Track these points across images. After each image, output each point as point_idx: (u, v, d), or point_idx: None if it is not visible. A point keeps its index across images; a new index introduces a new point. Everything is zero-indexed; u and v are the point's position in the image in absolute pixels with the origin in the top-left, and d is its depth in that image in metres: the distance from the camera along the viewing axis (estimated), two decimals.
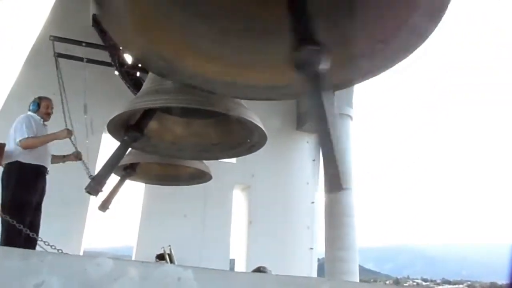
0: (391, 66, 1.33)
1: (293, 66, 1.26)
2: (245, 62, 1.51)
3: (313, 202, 9.65)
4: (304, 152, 10.09)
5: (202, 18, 1.50)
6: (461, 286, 32.15)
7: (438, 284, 31.17)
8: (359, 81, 1.54)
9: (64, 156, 4.78)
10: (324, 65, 1.19)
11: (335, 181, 1.42)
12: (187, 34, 1.45)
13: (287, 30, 1.28)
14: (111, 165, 3.14)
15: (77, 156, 4.67)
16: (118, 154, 2.99)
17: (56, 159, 4.70)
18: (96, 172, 3.52)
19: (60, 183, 5.42)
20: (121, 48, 4.45)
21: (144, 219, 8.03)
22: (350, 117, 8.97)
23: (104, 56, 5.30)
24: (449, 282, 33.30)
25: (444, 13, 1.10)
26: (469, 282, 34.47)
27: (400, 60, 1.31)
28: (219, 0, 1.51)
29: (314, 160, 10.10)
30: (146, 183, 6.83)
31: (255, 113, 2.97)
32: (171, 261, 6.88)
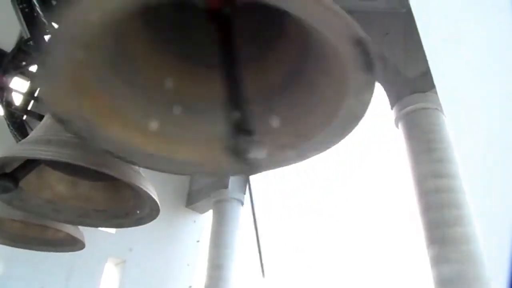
0: (311, 156, 1.44)
1: (224, 151, 1.29)
2: (173, 137, 1.47)
3: (190, 287, 9.14)
4: (190, 231, 9.78)
5: (133, 87, 1.46)
6: None
7: None
8: (279, 167, 1.61)
9: None
10: (256, 155, 1.25)
11: None
12: (117, 101, 1.39)
13: (222, 115, 1.31)
14: None
15: None
16: None
17: None
18: None
19: None
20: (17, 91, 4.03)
21: None
22: (241, 202, 9.11)
23: None
24: None
25: (359, 120, 1.26)
26: None
27: (319, 153, 1.42)
28: (152, 71, 1.49)
29: (198, 241, 9.81)
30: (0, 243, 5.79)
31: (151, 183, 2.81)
32: None
